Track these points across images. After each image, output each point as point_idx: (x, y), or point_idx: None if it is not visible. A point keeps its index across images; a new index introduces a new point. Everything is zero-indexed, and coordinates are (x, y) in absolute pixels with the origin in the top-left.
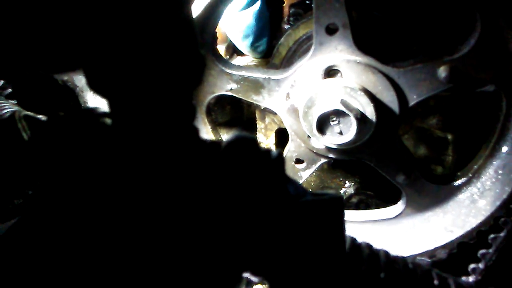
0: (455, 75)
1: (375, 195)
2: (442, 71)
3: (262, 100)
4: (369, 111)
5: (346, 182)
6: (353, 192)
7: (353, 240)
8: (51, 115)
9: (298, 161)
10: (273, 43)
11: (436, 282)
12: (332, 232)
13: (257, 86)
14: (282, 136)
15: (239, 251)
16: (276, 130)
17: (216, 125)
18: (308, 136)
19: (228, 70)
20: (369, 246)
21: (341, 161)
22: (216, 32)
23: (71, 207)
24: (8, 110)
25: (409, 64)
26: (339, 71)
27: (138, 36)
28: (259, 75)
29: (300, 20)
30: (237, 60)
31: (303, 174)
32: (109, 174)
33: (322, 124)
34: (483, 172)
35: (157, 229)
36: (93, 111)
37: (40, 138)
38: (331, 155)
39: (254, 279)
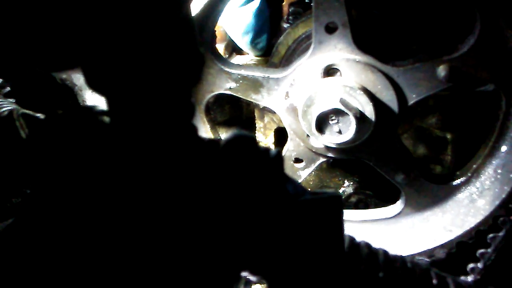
0: (454, 74)
1: (374, 195)
2: (441, 70)
3: (261, 99)
4: (368, 110)
5: (345, 181)
6: (352, 191)
7: (352, 239)
8: (49, 114)
9: (297, 160)
10: (273, 41)
11: (435, 281)
12: (331, 231)
13: (256, 85)
14: (281, 135)
15: (238, 250)
16: (275, 129)
17: (215, 124)
18: (307, 135)
19: (227, 69)
20: (368, 246)
21: (340, 160)
22: (215, 31)
23: (69, 206)
24: (6, 108)
25: (408, 63)
26: (339, 70)
27: (137, 34)
28: (258, 74)
29: (299, 18)
30: (236, 59)
31: (302, 173)
32: (107, 172)
33: (321, 123)
34: (482, 172)
35: (156, 228)
36: (91, 110)
37: (39, 137)
38: (330, 154)
39: (252, 278)
